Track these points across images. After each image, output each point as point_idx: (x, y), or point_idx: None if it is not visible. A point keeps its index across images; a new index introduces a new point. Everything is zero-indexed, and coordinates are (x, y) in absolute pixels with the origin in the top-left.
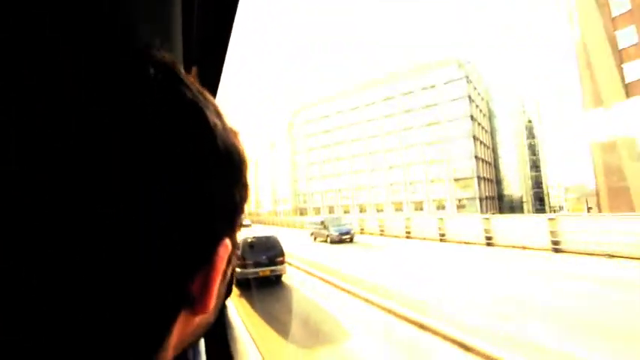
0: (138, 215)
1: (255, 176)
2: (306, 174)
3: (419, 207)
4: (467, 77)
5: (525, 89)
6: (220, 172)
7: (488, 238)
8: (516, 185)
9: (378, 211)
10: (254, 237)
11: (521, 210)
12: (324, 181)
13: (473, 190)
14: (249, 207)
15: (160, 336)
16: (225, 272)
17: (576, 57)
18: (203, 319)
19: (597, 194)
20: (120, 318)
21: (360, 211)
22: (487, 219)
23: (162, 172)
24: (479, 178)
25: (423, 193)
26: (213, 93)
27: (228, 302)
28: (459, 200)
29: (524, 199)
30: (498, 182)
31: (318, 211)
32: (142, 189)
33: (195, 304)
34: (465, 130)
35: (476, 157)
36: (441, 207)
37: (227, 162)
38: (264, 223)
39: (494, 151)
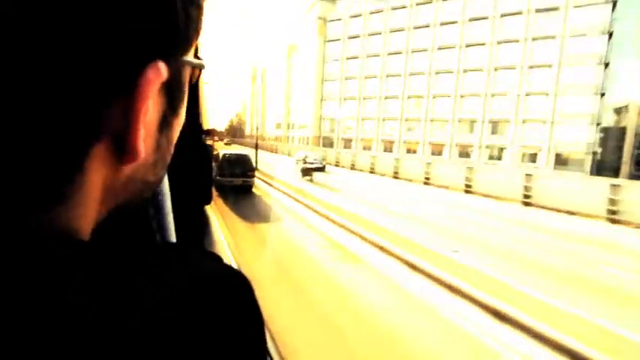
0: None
1: (262, 89)
2: (340, 92)
3: (495, 155)
4: None
5: None
6: None
7: None
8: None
9: (436, 154)
10: (231, 153)
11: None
12: (364, 106)
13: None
14: (246, 129)
15: (65, 169)
16: (164, 115)
17: None
18: (137, 171)
19: None
20: (12, 139)
21: (409, 152)
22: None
23: None
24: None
25: (510, 136)
26: None
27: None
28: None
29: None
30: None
31: (348, 143)
32: None
33: (118, 143)
34: (593, 52)
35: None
36: (530, 159)
37: None
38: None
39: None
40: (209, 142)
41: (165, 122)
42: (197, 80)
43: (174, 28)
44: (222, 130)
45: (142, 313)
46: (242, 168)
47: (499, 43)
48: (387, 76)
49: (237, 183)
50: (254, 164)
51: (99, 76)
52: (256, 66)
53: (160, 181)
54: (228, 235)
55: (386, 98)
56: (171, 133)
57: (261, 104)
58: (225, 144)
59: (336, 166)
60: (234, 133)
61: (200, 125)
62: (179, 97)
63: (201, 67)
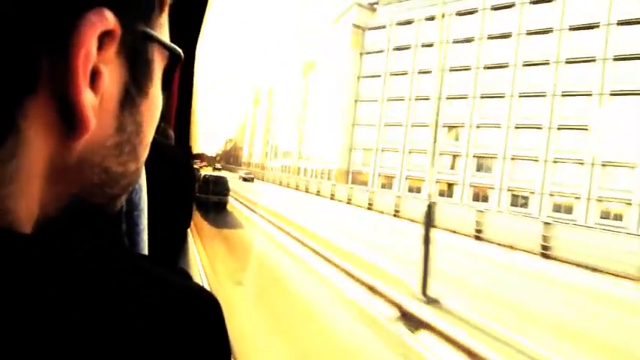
0: None
1: (267, 110)
2: (380, 116)
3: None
4: None
5: None
6: None
7: None
8: None
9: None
10: (210, 174)
11: None
12: (411, 134)
13: None
14: (242, 155)
15: None
16: (126, 89)
17: None
18: (93, 152)
19: None
20: None
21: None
22: None
23: None
24: None
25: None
26: None
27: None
28: None
29: None
30: None
31: (388, 181)
32: None
33: (62, 107)
34: None
35: None
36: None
37: None
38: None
39: None
40: (196, 166)
41: (128, 97)
42: (174, 72)
43: None
44: (215, 155)
45: (96, 325)
46: (219, 187)
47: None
48: (448, 98)
49: (214, 200)
50: (229, 185)
51: (29, 12)
52: (258, 87)
53: (131, 176)
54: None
55: (444, 126)
56: (140, 116)
57: (263, 129)
58: (215, 170)
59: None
60: (228, 159)
61: (190, 148)
62: (145, 73)
63: (173, 52)
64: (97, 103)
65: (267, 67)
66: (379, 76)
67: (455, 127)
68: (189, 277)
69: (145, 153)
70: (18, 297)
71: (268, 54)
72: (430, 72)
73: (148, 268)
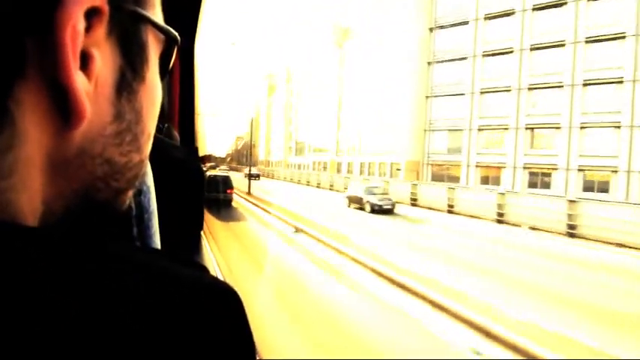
0: None
1: (286, 98)
2: (473, 80)
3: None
4: None
5: None
6: None
7: None
8: None
9: None
10: (216, 174)
11: None
12: (530, 101)
13: None
14: (259, 152)
15: None
16: (122, 72)
17: None
18: (93, 142)
19: None
20: None
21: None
22: None
23: None
24: None
25: None
26: None
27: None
28: None
29: None
30: None
31: (495, 176)
32: None
33: (55, 93)
34: None
35: None
36: None
37: None
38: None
39: None
40: (205, 168)
41: (124, 83)
42: (171, 59)
43: None
44: (225, 155)
45: (111, 327)
46: (224, 186)
47: None
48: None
49: (219, 197)
50: (233, 183)
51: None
52: (272, 73)
53: (136, 168)
54: None
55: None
56: (138, 104)
57: (284, 121)
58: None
59: None
60: (240, 158)
61: (196, 150)
62: (140, 56)
63: (169, 35)
64: (91, 89)
65: (283, 44)
66: (466, 22)
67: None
68: (205, 270)
69: (148, 145)
70: (15, 295)
71: (284, 26)
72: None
73: (159, 264)
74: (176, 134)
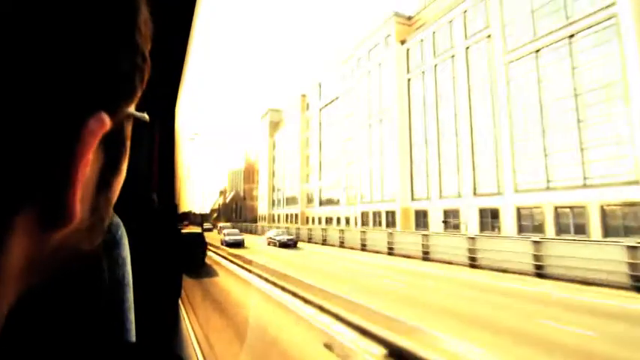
0: None
1: (268, 155)
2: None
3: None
4: None
5: None
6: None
7: None
8: None
9: None
10: (188, 233)
11: None
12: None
13: None
14: (258, 204)
15: None
16: (103, 173)
17: None
18: (69, 237)
19: None
20: None
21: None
22: None
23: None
24: None
25: None
26: None
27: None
28: None
29: None
30: None
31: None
32: None
33: (50, 205)
34: None
35: None
36: None
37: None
38: None
39: None
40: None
41: (104, 182)
42: (165, 144)
43: (118, 77)
44: (209, 211)
45: None
46: (197, 246)
47: None
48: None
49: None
50: (206, 242)
51: (37, 129)
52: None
53: (101, 235)
54: None
55: None
56: (111, 195)
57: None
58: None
59: None
60: (230, 214)
61: (175, 207)
62: (121, 152)
63: (145, 120)
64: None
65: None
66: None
67: None
68: None
69: (111, 209)
70: None
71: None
72: None
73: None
74: (155, 198)
